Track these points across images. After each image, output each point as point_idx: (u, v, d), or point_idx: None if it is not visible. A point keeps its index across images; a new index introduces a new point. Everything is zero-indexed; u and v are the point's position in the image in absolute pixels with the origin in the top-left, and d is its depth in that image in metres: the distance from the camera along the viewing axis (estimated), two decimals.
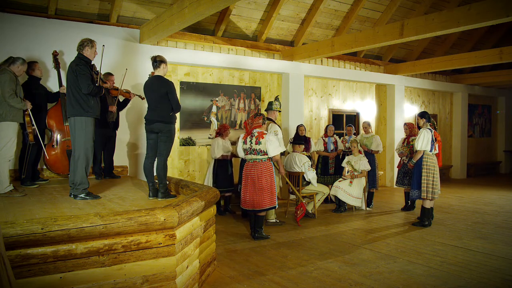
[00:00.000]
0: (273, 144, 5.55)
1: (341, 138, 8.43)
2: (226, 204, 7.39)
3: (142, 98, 6.35)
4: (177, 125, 7.54)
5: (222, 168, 7.17)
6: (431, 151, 6.30)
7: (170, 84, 4.55)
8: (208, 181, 7.19)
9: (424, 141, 6.23)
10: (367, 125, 7.98)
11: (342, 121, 10.23)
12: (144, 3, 6.89)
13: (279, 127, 6.98)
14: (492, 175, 13.95)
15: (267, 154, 5.56)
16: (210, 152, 7.27)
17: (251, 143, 5.62)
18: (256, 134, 5.62)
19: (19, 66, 4.89)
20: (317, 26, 9.03)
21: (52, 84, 6.12)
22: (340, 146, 8.15)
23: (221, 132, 7.23)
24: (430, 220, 6.44)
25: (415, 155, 6.44)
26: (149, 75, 5.14)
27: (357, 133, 9.68)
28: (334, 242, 5.52)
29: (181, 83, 7.76)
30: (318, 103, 9.78)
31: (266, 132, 5.71)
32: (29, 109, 4.89)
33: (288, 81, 8.86)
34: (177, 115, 5.49)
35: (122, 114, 6.72)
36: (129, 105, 6.61)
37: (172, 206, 3.40)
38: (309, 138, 7.90)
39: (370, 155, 7.65)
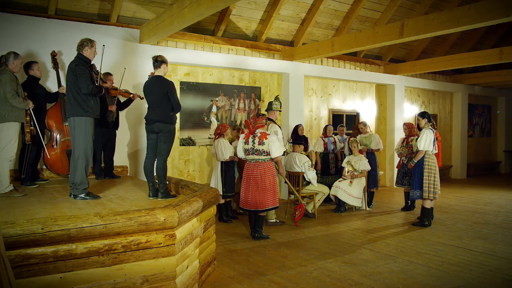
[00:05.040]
0: (276, 144, 5.55)
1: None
2: (229, 209, 6.89)
3: (142, 98, 6.36)
4: (177, 125, 7.53)
5: (231, 171, 6.62)
6: (431, 151, 6.30)
7: (170, 84, 4.55)
8: (217, 186, 6.53)
9: (426, 141, 6.23)
10: (363, 126, 8.03)
11: (342, 121, 10.23)
12: (144, 3, 6.89)
13: (279, 127, 6.98)
14: (492, 175, 13.94)
15: (269, 155, 5.56)
16: (217, 154, 6.52)
17: (254, 143, 5.60)
18: (258, 134, 5.61)
19: (13, 62, 4.81)
20: (317, 26, 9.03)
21: (51, 84, 6.12)
22: (339, 147, 8.18)
23: (221, 133, 6.76)
24: (430, 220, 6.44)
25: (417, 155, 6.42)
26: (149, 75, 5.14)
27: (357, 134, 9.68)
28: (334, 242, 5.52)
29: (181, 83, 7.76)
30: (318, 103, 9.79)
31: (269, 133, 5.70)
32: (30, 109, 4.89)
33: (288, 81, 8.86)
34: (177, 115, 5.49)
35: (122, 114, 6.73)
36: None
37: (172, 206, 3.40)
38: (307, 138, 7.92)
39: (370, 155, 7.66)
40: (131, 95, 6.41)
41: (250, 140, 5.65)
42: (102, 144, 6.09)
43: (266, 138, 5.54)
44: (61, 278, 2.82)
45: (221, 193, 6.52)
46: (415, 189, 6.45)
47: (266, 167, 5.57)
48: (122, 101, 6.49)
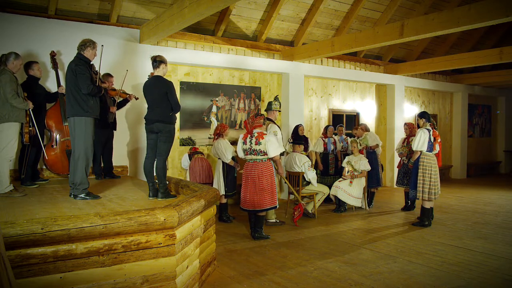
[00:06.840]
0: (273, 144, 5.55)
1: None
2: (226, 210, 6.82)
3: (137, 99, 6.39)
4: (177, 125, 7.53)
5: (232, 170, 6.63)
6: (431, 151, 6.31)
7: (169, 84, 4.55)
8: (219, 185, 6.53)
9: (420, 141, 6.24)
10: (355, 130, 8.15)
11: (342, 121, 10.23)
12: (144, 3, 6.89)
13: (279, 127, 6.97)
14: (492, 175, 13.94)
15: (267, 155, 5.56)
16: (220, 156, 6.53)
17: (251, 143, 5.61)
18: (256, 134, 5.61)
19: (13, 62, 4.79)
20: (317, 26, 9.03)
21: (51, 84, 6.12)
22: (339, 147, 8.18)
23: (221, 133, 6.77)
24: (430, 220, 6.44)
25: (412, 155, 6.49)
26: (149, 75, 5.15)
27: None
28: (334, 242, 5.52)
29: (181, 83, 7.76)
30: (318, 103, 9.79)
31: (265, 133, 5.71)
32: (30, 109, 4.89)
33: (288, 81, 8.86)
34: (177, 115, 5.48)
35: (122, 114, 6.73)
36: (128, 105, 6.61)
37: (172, 206, 3.40)
38: (307, 138, 7.93)
39: (371, 154, 7.66)
40: (128, 95, 6.42)
41: (248, 140, 5.66)
42: (102, 144, 6.09)
43: (262, 138, 5.55)
44: (61, 278, 2.82)
45: (224, 193, 6.53)
46: (412, 189, 6.49)
47: (263, 167, 5.57)
48: (118, 101, 6.49)
